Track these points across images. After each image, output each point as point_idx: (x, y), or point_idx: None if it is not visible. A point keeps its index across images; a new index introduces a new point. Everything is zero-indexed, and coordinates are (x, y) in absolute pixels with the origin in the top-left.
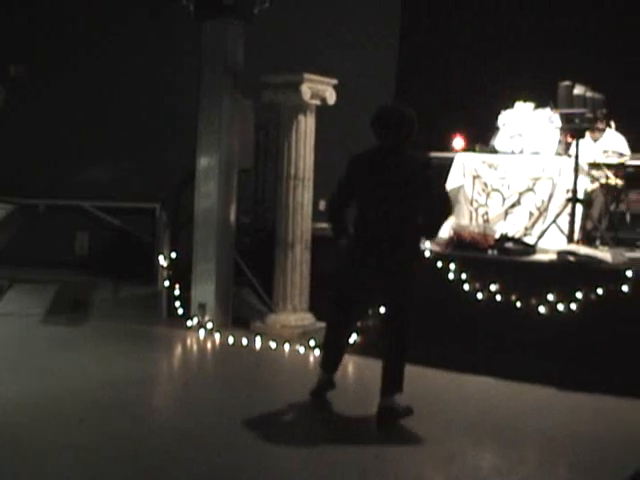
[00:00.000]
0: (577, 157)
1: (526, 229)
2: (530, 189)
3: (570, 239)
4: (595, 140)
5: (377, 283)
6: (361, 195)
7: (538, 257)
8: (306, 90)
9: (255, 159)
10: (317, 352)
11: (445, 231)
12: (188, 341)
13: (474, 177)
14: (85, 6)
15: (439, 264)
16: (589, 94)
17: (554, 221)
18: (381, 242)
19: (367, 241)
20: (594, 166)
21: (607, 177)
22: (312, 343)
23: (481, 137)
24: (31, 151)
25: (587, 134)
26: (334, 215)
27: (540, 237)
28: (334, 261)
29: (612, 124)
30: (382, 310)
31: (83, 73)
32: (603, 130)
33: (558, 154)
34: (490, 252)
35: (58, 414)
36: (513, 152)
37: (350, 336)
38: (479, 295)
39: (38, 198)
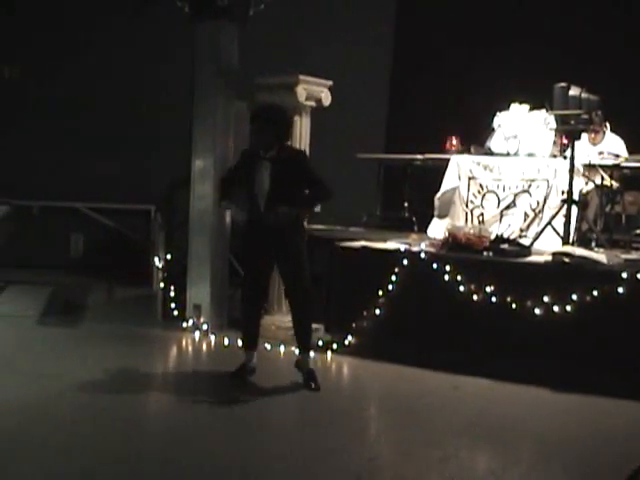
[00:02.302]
0: (572, 159)
1: (521, 230)
2: (525, 191)
3: (565, 241)
4: (595, 144)
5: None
6: None
7: (533, 258)
8: (301, 91)
9: None
10: (312, 353)
11: (440, 232)
12: (183, 343)
13: (469, 178)
14: (78, 8)
15: (434, 265)
16: (584, 95)
17: (549, 223)
18: None
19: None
20: (589, 168)
21: (602, 179)
22: None
23: (476, 139)
24: (25, 152)
25: (585, 137)
26: None
27: (535, 239)
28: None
29: (608, 125)
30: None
31: (77, 74)
32: (603, 133)
33: (553, 156)
34: (485, 253)
35: (51, 416)
36: (508, 154)
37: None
38: (474, 297)
39: (32, 200)
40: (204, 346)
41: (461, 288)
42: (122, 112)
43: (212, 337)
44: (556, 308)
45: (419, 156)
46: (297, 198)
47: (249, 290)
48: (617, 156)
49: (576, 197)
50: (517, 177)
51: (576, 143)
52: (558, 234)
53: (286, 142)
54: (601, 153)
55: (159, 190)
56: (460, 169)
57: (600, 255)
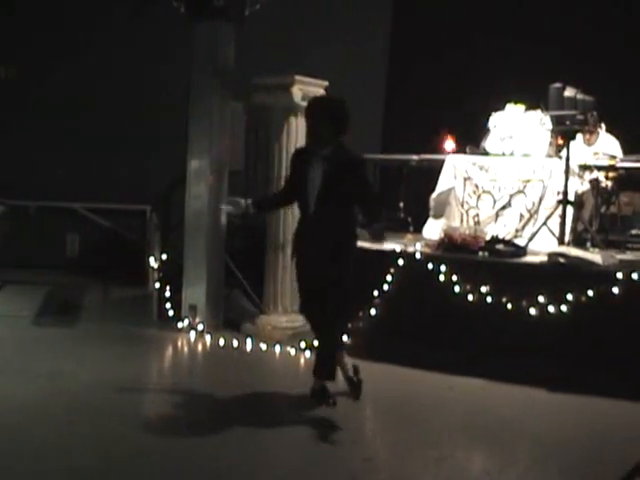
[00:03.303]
0: (568, 159)
1: (517, 231)
2: (521, 191)
3: (561, 241)
4: (589, 144)
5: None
6: None
7: (529, 259)
8: (297, 92)
9: (245, 161)
10: (308, 353)
11: (436, 233)
12: (179, 343)
13: (465, 179)
14: (78, 8)
15: (430, 266)
16: (580, 96)
17: (545, 223)
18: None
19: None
20: (585, 168)
21: (598, 179)
22: (303, 345)
23: (472, 139)
24: (22, 152)
25: (580, 137)
26: None
27: (531, 239)
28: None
29: (603, 126)
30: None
31: (73, 74)
32: (597, 134)
33: (549, 156)
34: (481, 254)
35: (47, 415)
36: (504, 154)
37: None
38: (470, 297)
39: (29, 200)
40: (200, 346)
41: (457, 288)
42: (120, 112)
43: (208, 337)
44: (551, 308)
45: (415, 156)
46: (347, 204)
47: (304, 306)
48: (612, 156)
49: (571, 197)
50: (512, 177)
51: (571, 144)
52: (553, 234)
53: (343, 138)
54: (596, 154)
55: (155, 190)
56: (456, 169)
57: (595, 256)
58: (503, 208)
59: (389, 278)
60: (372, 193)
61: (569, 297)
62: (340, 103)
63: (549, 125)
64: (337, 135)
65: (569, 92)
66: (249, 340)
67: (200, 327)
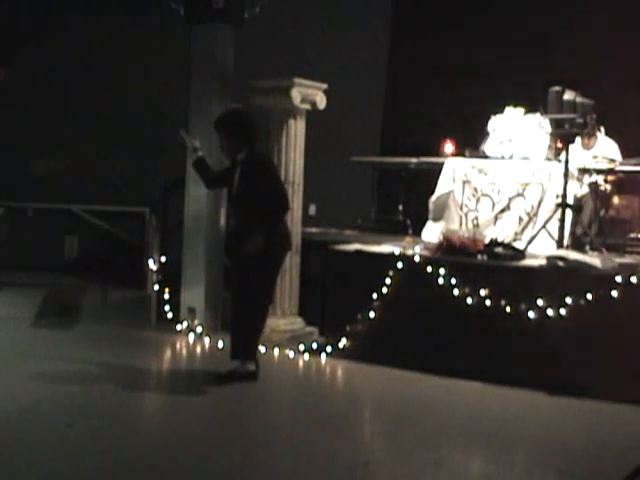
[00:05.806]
0: (567, 162)
1: (516, 234)
2: (520, 194)
3: (560, 244)
4: (588, 148)
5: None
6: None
7: (528, 262)
8: (296, 94)
9: None
10: (307, 356)
11: (435, 236)
12: (177, 345)
13: (464, 182)
14: (78, 8)
15: (429, 269)
16: (579, 99)
17: (544, 226)
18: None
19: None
20: (584, 171)
21: (597, 183)
22: (302, 347)
23: (471, 142)
24: (20, 154)
25: (578, 140)
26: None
27: (530, 242)
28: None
29: (602, 129)
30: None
31: (73, 76)
32: (596, 137)
33: (548, 159)
34: (480, 257)
35: (46, 418)
36: (503, 157)
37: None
38: (469, 300)
39: (27, 202)
40: (198, 349)
41: (455, 292)
42: (119, 114)
43: (206, 340)
44: (550, 312)
45: (414, 159)
46: (258, 202)
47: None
48: (611, 160)
49: (570, 201)
50: (511, 181)
51: (570, 147)
52: (552, 238)
53: (252, 143)
54: (595, 157)
55: (154, 192)
56: (455, 173)
57: (594, 259)
58: (502, 211)
59: (388, 281)
60: (275, 190)
61: (568, 300)
62: (237, 115)
63: (548, 128)
64: (249, 141)
65: (568, 95)
66: None
67: (199, 329)
